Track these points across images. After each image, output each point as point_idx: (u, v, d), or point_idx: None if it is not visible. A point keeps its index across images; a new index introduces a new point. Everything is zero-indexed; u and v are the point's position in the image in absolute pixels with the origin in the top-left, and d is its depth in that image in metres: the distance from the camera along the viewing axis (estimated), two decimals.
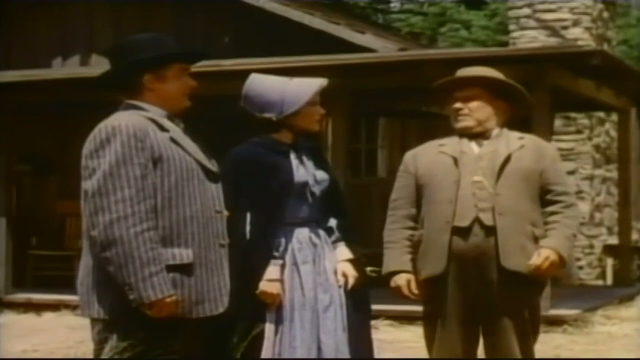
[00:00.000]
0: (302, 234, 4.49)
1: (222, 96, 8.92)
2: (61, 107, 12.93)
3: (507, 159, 4.67)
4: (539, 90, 10.52)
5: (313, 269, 4.46)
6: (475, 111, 4.75)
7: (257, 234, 4.37)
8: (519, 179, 4.67)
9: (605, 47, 15.39)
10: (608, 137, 15.92)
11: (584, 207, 15.22)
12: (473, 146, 4.75)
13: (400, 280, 4.76)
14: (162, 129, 3.88)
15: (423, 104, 12.34)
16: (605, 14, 15.87)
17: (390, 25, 24.89)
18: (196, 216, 3.84)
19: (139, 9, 14.03)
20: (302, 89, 4.52)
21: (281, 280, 4.40)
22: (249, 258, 4.34)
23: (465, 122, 4.76)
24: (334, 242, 4.58)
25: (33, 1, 14.43)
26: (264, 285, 4.36)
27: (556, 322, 10.06)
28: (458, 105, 4.76)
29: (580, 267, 15.38)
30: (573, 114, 15.19)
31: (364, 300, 4.59)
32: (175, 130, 3.95)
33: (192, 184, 3.86)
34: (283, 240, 4.44)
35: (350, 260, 4.56)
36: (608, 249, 15.32)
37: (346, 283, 4.50)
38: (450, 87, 4.84)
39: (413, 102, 12.43)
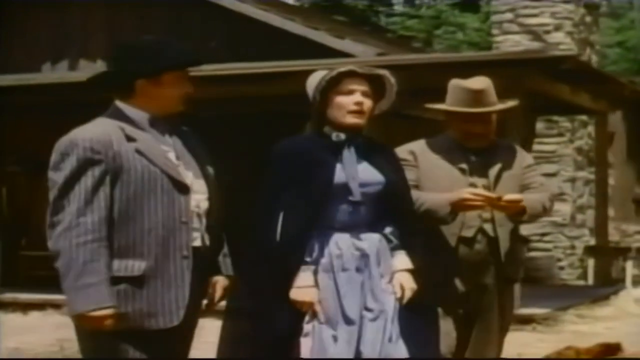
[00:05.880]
0: (342, 239, 4.07)
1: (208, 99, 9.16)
2: (55, 109, 13.09)
3: (502, 169, 4.87)
4: (515, 94, 10.71)
5: (357, 276, 4.06)
6: (491, 133, 4.91)
7: (290, 237, 4.01)
8: (513, 188, 4.83)
9: (588, 51, 15.62)
10: (590, 139, 16.04)
11: (566, 208, 15.42)
12: (471, 155, 4.88)
13: None
14: (129, 139, 3.89)
15: (408, 107, 12.49)
16: (588, 19, 16.03)
17: (383, 28, 25.05)
18: (155, 228, 3.79)
19: (133, 11, 14.17)
20: (321, 74, 4.09)
21: (314, 287, 4.02)
22: (280, 262, 4.02)
23: (480, 143, 4.87)
24: (392, 249, 4.14)
25: (30, 3, 14.62)
26: (294, 293, 4.00)
27: (525, 321, 10.26)
28: (479, 129, 4.84)
29: (562, 268, 15.60)
30: (555, 117, 15.35)
31: (421, 312, 4.14)
32: (146, 139, 3.94)
33: (154, 196, 3.81)
34: (317, 245, 4.04)
35: (408, 270, 4.13)
36: (589, 250, 15.56)
37: (402, 296, 4.07)
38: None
39: (399, 104, 12.56)
